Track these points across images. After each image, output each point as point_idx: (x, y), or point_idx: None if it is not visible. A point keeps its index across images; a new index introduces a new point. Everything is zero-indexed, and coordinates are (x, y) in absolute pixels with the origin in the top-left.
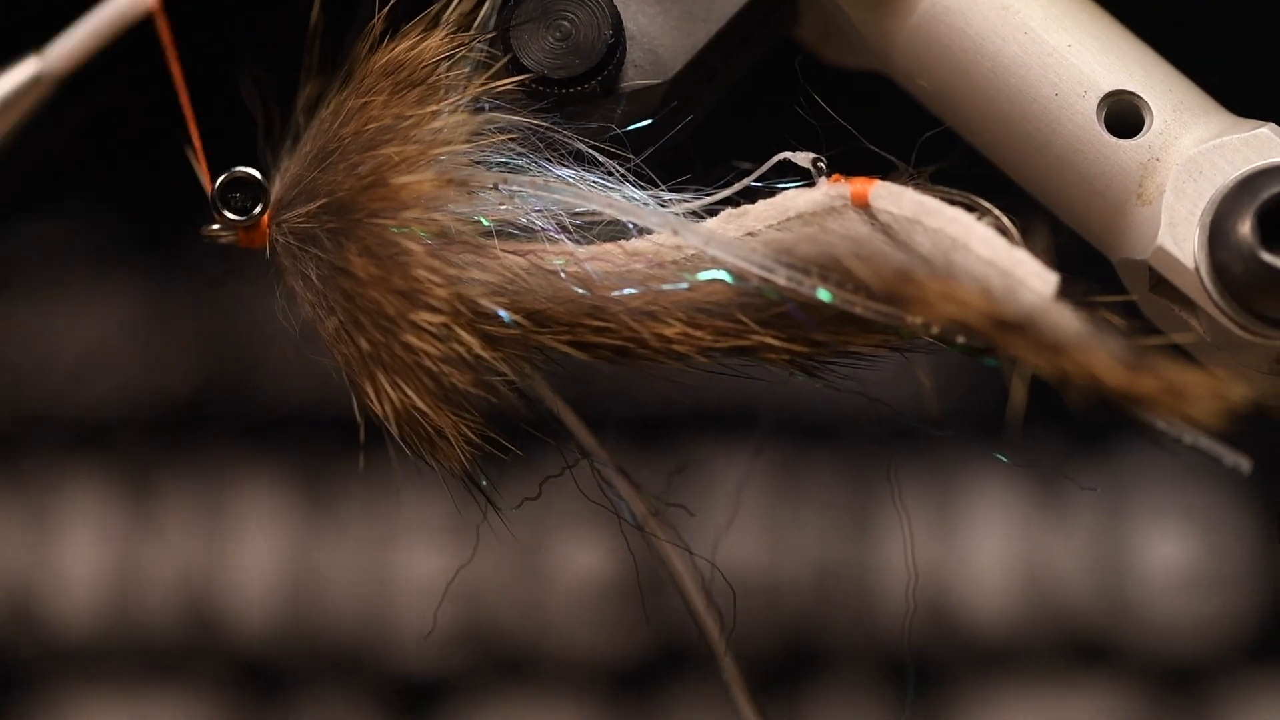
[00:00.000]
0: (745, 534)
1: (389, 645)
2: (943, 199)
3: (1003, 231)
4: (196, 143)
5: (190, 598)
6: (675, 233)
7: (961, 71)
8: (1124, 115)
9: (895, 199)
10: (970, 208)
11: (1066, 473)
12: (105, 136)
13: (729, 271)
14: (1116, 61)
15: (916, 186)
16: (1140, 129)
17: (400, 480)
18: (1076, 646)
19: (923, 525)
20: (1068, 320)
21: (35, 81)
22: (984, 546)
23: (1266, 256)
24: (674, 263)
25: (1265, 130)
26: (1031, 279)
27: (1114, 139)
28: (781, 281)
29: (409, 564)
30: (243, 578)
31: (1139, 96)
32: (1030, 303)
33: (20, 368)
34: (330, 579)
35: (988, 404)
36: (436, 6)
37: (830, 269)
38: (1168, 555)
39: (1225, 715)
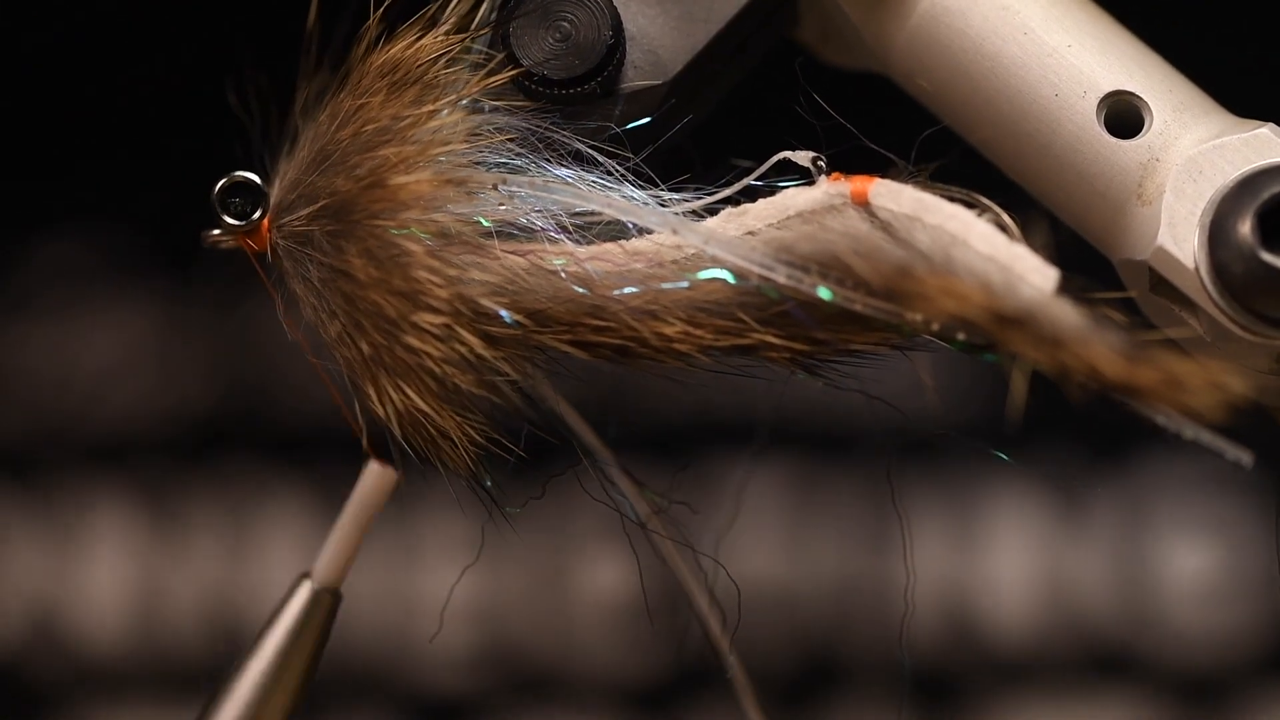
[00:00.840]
0: (764, 547)
1: (412, 663)
2: (942, 196)
3: (1002, 228)
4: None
5: (213, 614)
6: (675, 232)
7: (961, 72)
8: (1124, 115)
9: (895, 196)
10: (970, 205)
11: (1074, 477)
12: (122, 154)
13: (729, 270)
14: (1116, 62)
15: (916, 184)
16: (1140, 129)
17: (423, 495)
18: (1097, 658)
19: (943, 538)
20: (1068, 314)
21: (316, 600)
22: (1004, 559)
23: (1266, 256)
24: (674, 262)
25: (1265, 130)
26: (1031, 274)
27: (1114, 139)
28: (782, 280)
29: (433, 581)
30: (265, 594)
31: (1139, 97)
32: (1030, 297)
33: (40, 385)
34: (353, 595)
35: (1003, 414)
36: (433, 7)
37: (830, 266)
38: (1188, 567)
39: None
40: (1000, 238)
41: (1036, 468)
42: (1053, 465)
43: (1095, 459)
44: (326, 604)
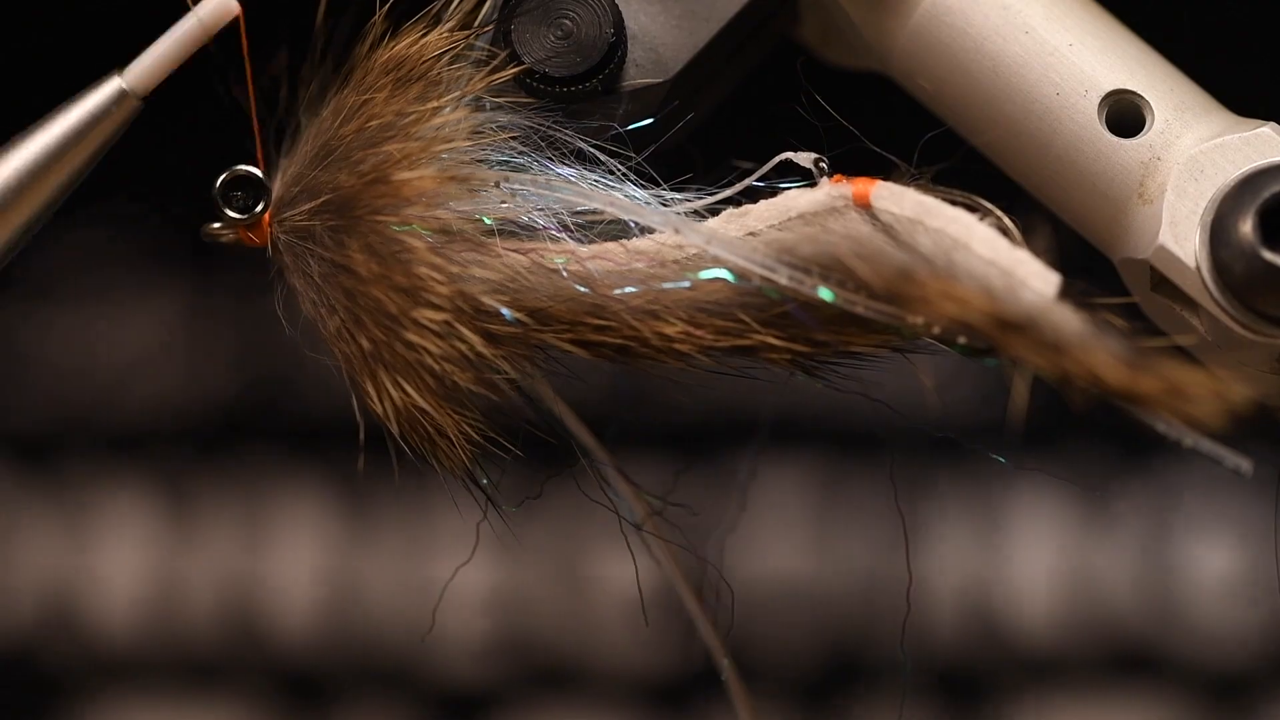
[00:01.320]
0: (789, 544)
1: (429, 655)
2: (944, 199)
3: (1004, 232)
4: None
5: (230, 606)
6: (677, 231)
7: (962, 71)
8: (1125, 114)
9: (897, 199)
10: (972, 208)
11: (1099, 476)
12: (150, 141)
13: (730, 270)
14: (1118, 61)
15: (918, 187)
16: (1141, 128)
17: (441, 487)
18: (1122, 657)
19: (969, 536)
20: (1069, 320)
21: (119, 99)
22: (1030, 557)
23: (1268, 255)
24: (676, 262)
25: (1266, 129)
26: (1033, 279)
27: (1115, 138)
28: (783, 281)
29: (450, 573)
30: (283, 586)
31: (1140, 96)
32: (1032, 302)
33: (62, 374)
34: (371, 588)
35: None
36: (437, 5)
37: (832, 268)
38: (1214, 565)
39: None
40: (1002, 242)
41: (1061, 467)
42: (1078, 464)
43: (1121, 458)
44: (128, 107)
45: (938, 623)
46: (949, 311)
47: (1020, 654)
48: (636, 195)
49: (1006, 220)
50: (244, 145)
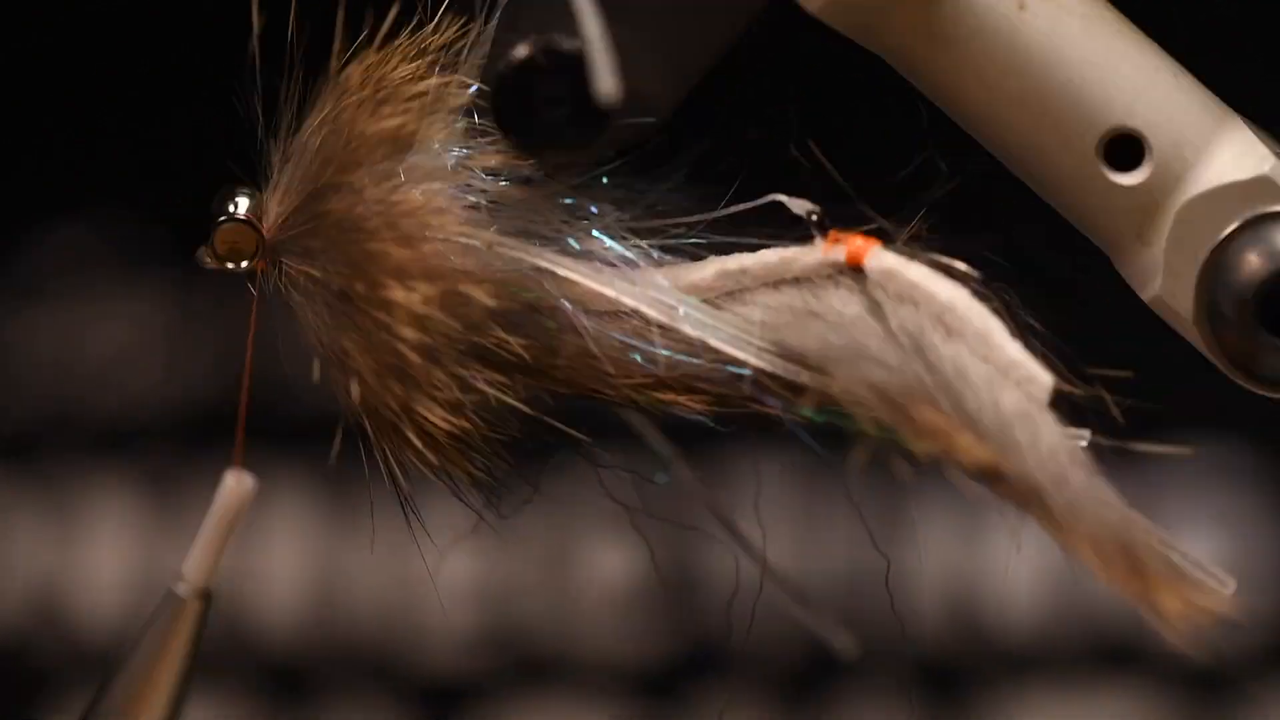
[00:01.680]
0: (773, 536)
1: (415, 648)
2: (942, 272)
3: (985, 299)
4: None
5: (216, 599)
6: (676, 307)
7: (980, 83)
8: (1125, 152)
9: (890, 275)
10: (971, 278)
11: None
12: (134, 141)
13: (727, 361)
14: (1117, 94)
15: (913, 254)
16: (1140, 166)
17: (426, 477)
18: (1105, 649)
19: (952, 527)
20: (1077, 483)
21: (187, 603)
22: (1013, 550)
23: (1265, 337)
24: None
25: (1265, 170)
26: (1026, 383)
27: (1114, 178)
28: (775, 371)
29: (434, 564)
30: (269, 581)
31: (1140, 134)
32: (1040, 475)
33: (47, 371)
34: (356, 582)
35: None
36: (417, 42)
37: (824, 373)
38: (1198, 558)
39: (1255, 718)
40: (997, 335)
41: None
42: None
43: (1102, 450)
44: (199, 604)
45: (921, 616)
46: (940, 446)
47: (1003, 647)
48: (626, 253)
49: (1000, 299)
50: (236, 152)
